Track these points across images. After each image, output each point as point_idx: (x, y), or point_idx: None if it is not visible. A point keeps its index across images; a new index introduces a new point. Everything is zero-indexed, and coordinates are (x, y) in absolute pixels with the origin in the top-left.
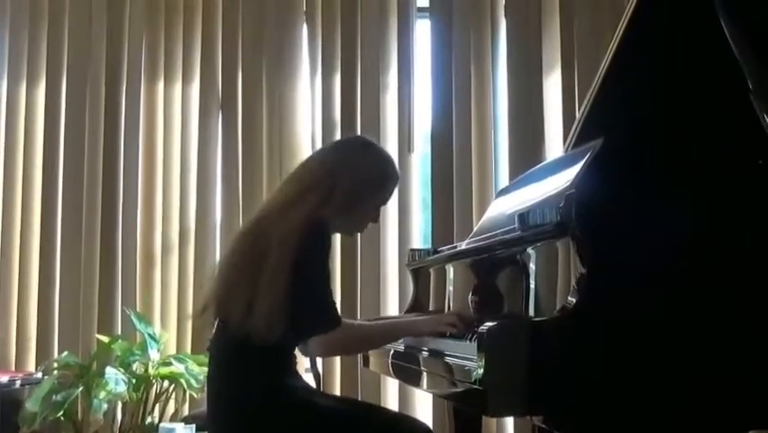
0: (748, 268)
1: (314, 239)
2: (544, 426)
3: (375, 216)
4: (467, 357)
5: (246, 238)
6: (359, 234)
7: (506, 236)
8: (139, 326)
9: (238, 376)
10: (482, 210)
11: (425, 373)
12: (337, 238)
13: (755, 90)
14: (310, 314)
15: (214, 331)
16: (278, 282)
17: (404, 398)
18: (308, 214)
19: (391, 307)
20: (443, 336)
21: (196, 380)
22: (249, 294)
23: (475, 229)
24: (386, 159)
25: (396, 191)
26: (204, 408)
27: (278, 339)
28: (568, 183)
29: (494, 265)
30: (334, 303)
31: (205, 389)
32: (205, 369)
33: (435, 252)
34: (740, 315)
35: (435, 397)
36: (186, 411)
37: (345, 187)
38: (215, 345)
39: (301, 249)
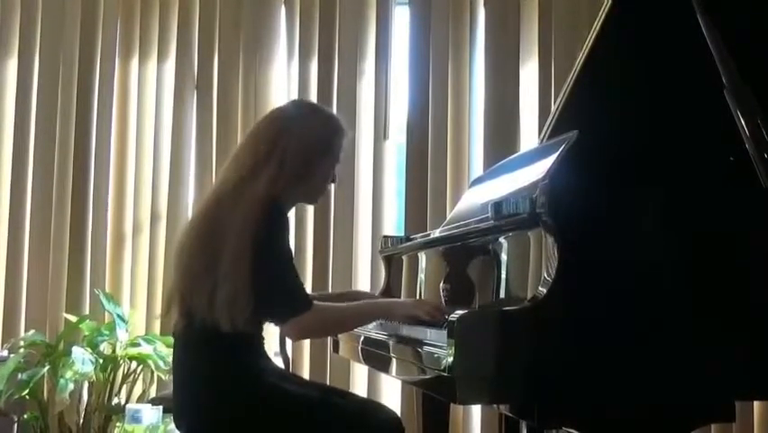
0: (718, 264)
1: (271, 223)
2: (510, 414)
3: (333, 177)
4: (437, 344)
5: (201, 226)
6: (319, 199)
7: (479, 225)
8: (108, 306)
9: (204, 361)
10: (456, 199)
11: (394, 360)
12: (309, 223)
13: (730, 87)
14: (280, 299)
15: (178, 317)
16: (238, 271)
17: (372, 384)
18: (262, 194)
19: None
20: (416, 321)
21: (165, 361)
22: (210, 284)
23: (448, 218)
24: (328, 116)
25: (370, 178)
26: (171, 390)
27: (242, 327)
28: (542, 174)
29: (466, 254)
30: (302, 285)
31: (171, 372)
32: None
33: (408, 239)
34: (704, 311)
35: (404, 383)
36: (153, 393)
37: (294, 156)
38: (181, 331)
39: (259, 235)
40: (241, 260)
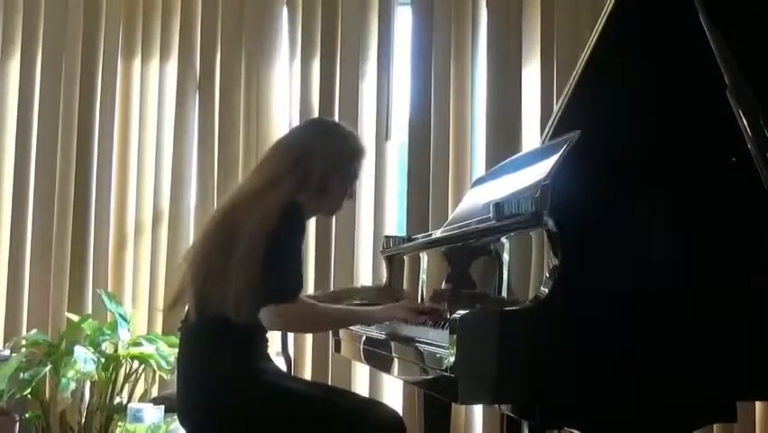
0: (719, 264)
1: (289, 222)
2: (512, 414)
3: (350, 193)
4: (438, 344)
5: (218, 227)
6: (336, 214)
7: (480, 225)
8: (110, 305)
9: (209, 359)
10: (458, 200)
11: (396, 360)
12: (312, 223)
13: (732, 87)
14: (269, 284)
15: (185, 314)
16: (250, 266)
17: (374, 383)
18: (283, 199)
19: None
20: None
21: (166, 361)
22: (223, 280)
23: (450, 218)
24: (352, 135)
25: (372, 178)
26: (173, 389)
27: (246, 316)
28: (544, 174)
29: (468, 254)
30: (298, 279)
31: (175, 371)
32: (176, 350)
33: (410, 239)
34: (705, 311)
35: (405, 383)
36: (155, 392)
37: (318, 172)
38: (187, 328)
39: (276, 232)
40: (252, 256)
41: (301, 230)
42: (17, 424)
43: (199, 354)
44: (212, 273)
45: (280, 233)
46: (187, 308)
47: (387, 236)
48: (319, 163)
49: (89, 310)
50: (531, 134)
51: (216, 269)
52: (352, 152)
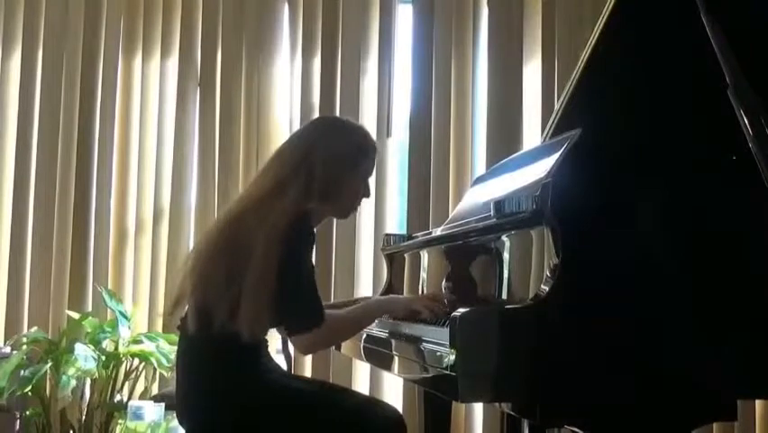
0: (719, 263)
1: (298, 238)
2: (512, 412)
3: (365, 191)
4: (439, 343)
5: (224, 236)
6: (351, 214)
7: (481, 223)
8: (110, 303)
9: (211, 362)
10: (458, 198)
11: (396, 358)
12: None
13: (733, 86)
14: (296, 315)
15: (190, 319)
16: (264, 287)
17: (374, 382)
18: (290, 209)
19: (365, 291)
20: (416, 316)
21: (167, 358)
22: (231, 295)
23: (450, 216)
24: (356, 131)
25: (372, 176)
26: (173, 387)
27: (260, 337)
28: (544, 172)
29: (468, 252)
30: (320, 301)
31: (175, 368)
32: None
33: (410, 237)
34: (706, 310)
35: (406, 381)
36: (155, 390)
37: (323, 173)
38: (193, 333)
39: (286, 250)
40: (267, 276)
41: (311, 243)
42: (17, 421)
43: (200, 357)
44: (215, 289)
45: (292, 254)
46: (186, 308)
47: (387, 234)
48: (322, 166)
49: (90, 308)
50: (532, 133)
51: (221, 284)
52: (357, 150)
